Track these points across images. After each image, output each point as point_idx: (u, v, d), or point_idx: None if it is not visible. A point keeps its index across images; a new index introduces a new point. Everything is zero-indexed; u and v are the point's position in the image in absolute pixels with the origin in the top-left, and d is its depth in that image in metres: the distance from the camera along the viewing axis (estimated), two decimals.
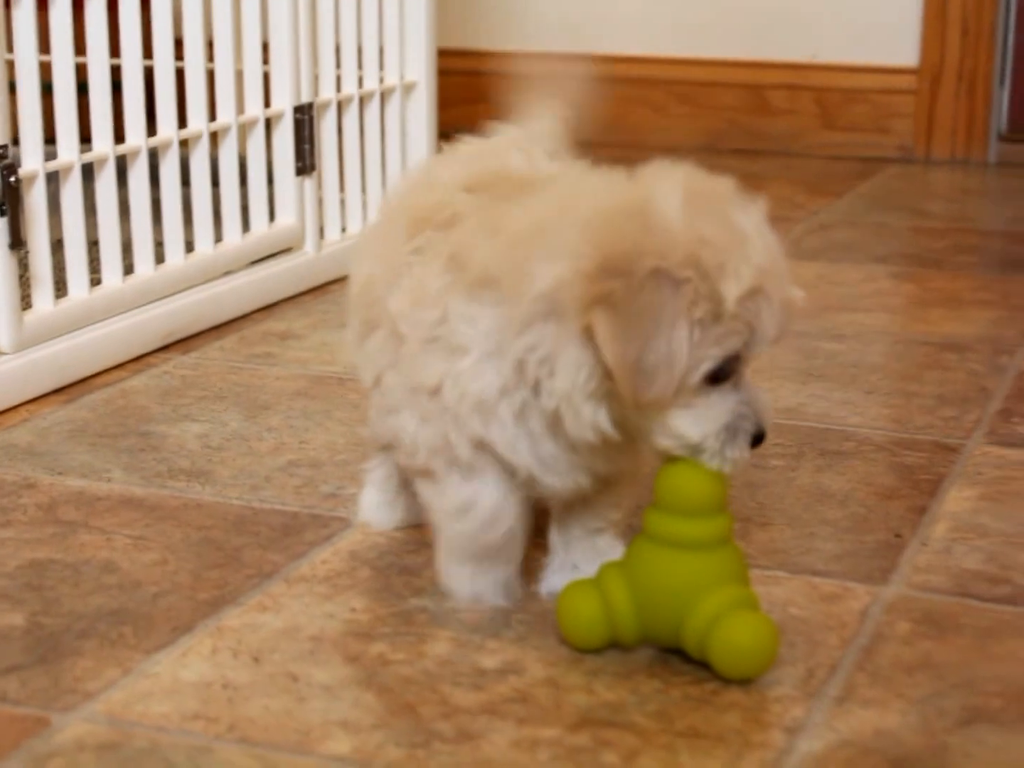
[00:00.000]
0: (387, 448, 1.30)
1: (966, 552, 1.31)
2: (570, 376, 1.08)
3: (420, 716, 1.05)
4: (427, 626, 1.17)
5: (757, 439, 1.11)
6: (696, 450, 1.10)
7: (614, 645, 1.13)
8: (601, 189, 1.13)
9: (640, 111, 3.26)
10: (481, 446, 1.13)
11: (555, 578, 1.22)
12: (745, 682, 1.08)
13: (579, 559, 1.22)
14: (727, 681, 1.08)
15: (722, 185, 1.11)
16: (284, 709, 1.06)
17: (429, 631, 1.16)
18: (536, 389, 1.10)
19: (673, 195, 1.08)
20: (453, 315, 1.12)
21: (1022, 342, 1.90)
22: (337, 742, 1.01)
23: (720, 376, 1.08)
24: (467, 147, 1.29)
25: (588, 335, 1.06)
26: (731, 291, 1.05)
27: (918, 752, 1.01)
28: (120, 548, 1.31)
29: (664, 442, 1.10)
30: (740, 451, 1.10)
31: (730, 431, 1.09)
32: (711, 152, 3.19)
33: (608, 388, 1.07)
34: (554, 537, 1.23)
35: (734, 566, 1.11)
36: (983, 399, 1.69)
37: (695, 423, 1.09)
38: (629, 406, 1.07)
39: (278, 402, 1.67)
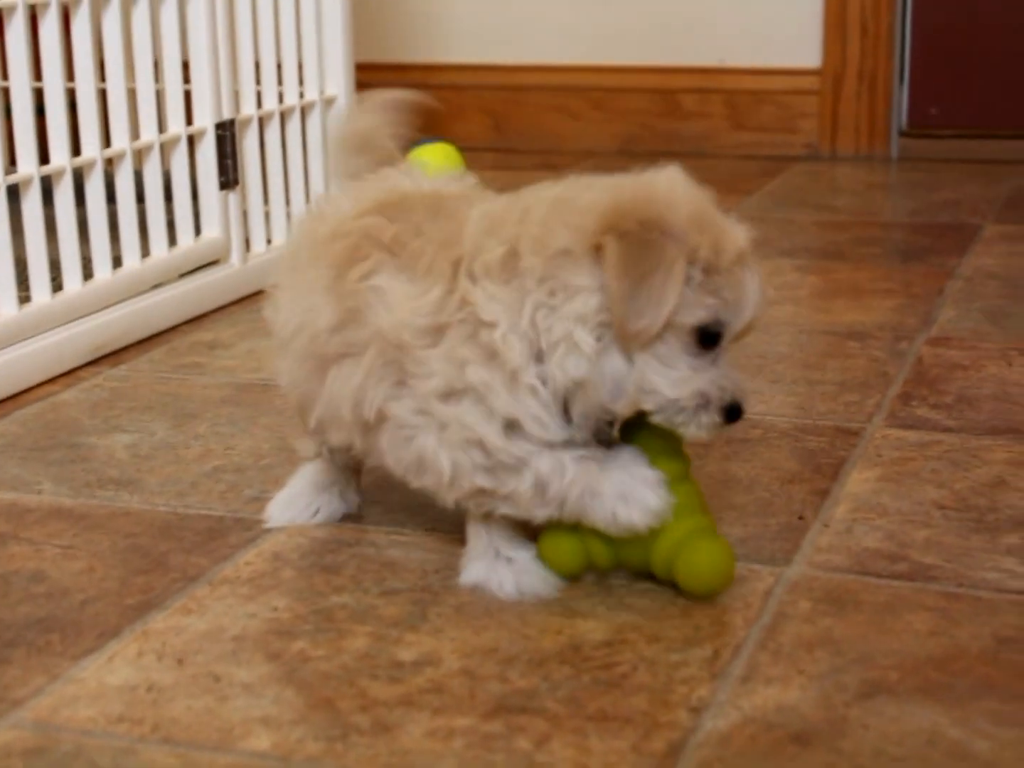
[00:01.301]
0: (317, 456, 1.35)
1: (866, 531, 1.31)
2: (577, 306, 1.10)
3: (338, 710, 1.04)
4: (346, 622, 1.16)
5: (732, 412, 1.14)
6: (669, 407, 1.13)
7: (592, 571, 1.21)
8: (599, 179, 1.17)
9: (556, 118, 3.26)
10: (512, 427, 1.12)
11: (477, 565, 1.22)
12: (653, 662, 1.08)
13: (501, 544, 1.22)
14: (635, 664, 1.08)
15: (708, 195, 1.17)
16: (206, 708, 1.05)
17: (348, 627, 1.16)
18: (542, 348, 1.12)
19: (678, 184, 1.14)
20: (478, 298, 1.12)
21: (921, 328, 1.91)
22: (257, 738, 1.01)
23: (706, 338, 1.12)
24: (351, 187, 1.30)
25: (596, 257, 1.10)
26: (725, 253, 1.11)
27: (818, 726, 1.01)
28: (49, 558, 1.29)
29: (642, 398, 1.12)
30: (712, 418, 1.13)
31: (704, 397, 1.13)
32: (626, 155, 3.20)
33: (606, 322, 1.10)
34: (474, 525, 1.22)
35: (693, 499, 1.18)
36: (883, 384, 1.70)
37: (673, 382, 1.12)
38: (617, 336, 1.10)
39: (205, 410, 1.66)
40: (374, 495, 1.40)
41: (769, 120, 3.15)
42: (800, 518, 1.34)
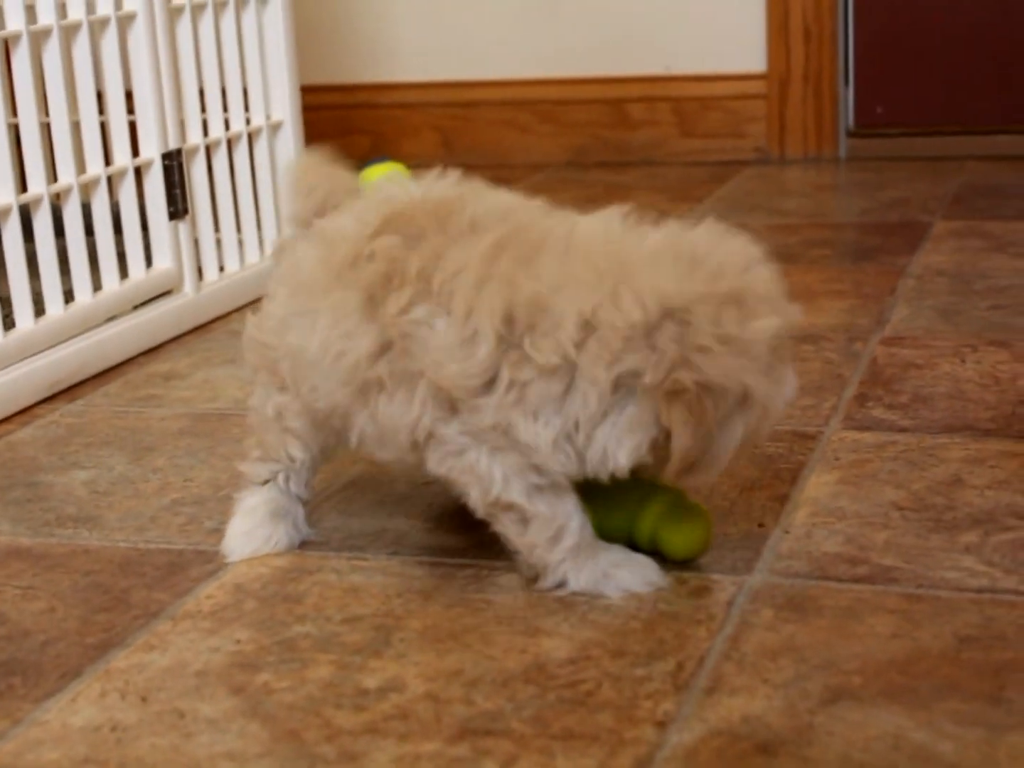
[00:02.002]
0: (267, 482, 1.35)
1: (826, 536, 1.31)
2: (628, 436, 1.15)
3: (304, 741, 1.03)
4: (310, 651, 1.16)
5: None
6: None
7: None
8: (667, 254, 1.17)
9: (506, 132, 3.26)
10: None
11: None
12: (618, 678, 1.08)
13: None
14: (600, 680, 1.08)
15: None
16: (171, 746, 1.04)
17: (311, 656, 1.15)
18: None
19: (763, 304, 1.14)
20: (524, 380, 1.15)
21: (875, 328, 1.92)
22: None
23: None
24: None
25: (658, 415, 1.12)
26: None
27: (784, 735, 1.01)
28: (9, 600, 1.28)
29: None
30: None
31: None
32: (577, 167, 3.20)
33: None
34: None
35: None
36: (839, 386, 1.70)
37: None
38: (664, 476, 1.16)
39: (163, 443, 1.65)
40: (334, 521, 1.40)
41: (717, 126, 3.16)
42: (760, 525, 1.34)
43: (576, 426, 1.15)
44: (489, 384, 1.16)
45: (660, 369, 1.11)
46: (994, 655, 1.09)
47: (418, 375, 1.18)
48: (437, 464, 1.21)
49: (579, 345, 1.13)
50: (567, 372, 1.14)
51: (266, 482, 1.34)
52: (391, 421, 1.21)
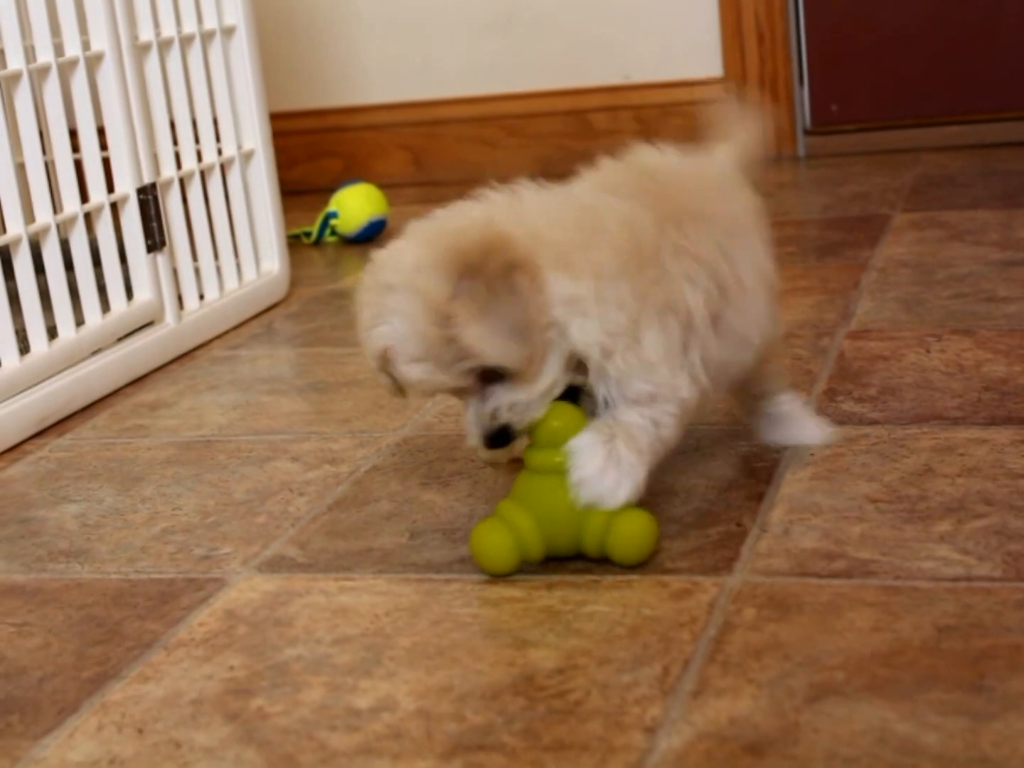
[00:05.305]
0: None
1: (803, 532, 1.29)
2: None
3: (299, 765, 1.01)
4: (302, 674, 1.14)
5: (490, 440, 1.25)
6: None
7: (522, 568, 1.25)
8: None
9: (475, 147, 3.24)
10: None
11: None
12: (606, 685, 1.06)
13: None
14: (588, 689, 1.06)
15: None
16: None
17: (304, 679, 1.13)
18: None
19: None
20: None
21: (841, 323, 1.90)
22: None
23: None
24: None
25: None
26: None
27: (771, 734, 0.99)
28: (4, 637, 1.26)
29: None
30: (479, 449, 1.27)
31: (472, 430, 1.26)
32: (545, 178, 3.18)
33: None
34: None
35: None
36: (808, 382, 1.68)
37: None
38: None
39: (150, 472, 1.63)
40: (321, 543, 1.38)
41: (678, 131, 3.14)
42: (738, 525, 1.32)
43: None
44: None
45: None
46: (973, 643, 1.08)
47: None
48: None
49: None
50: None
51: None
52: None
